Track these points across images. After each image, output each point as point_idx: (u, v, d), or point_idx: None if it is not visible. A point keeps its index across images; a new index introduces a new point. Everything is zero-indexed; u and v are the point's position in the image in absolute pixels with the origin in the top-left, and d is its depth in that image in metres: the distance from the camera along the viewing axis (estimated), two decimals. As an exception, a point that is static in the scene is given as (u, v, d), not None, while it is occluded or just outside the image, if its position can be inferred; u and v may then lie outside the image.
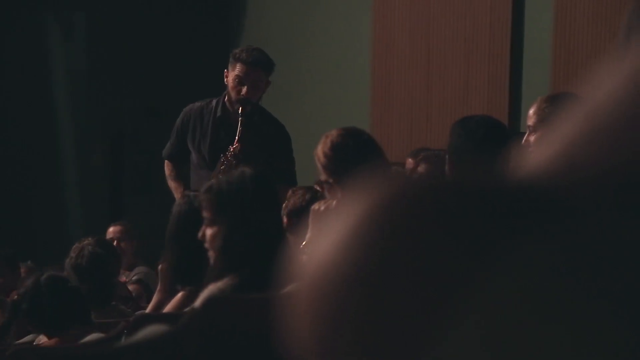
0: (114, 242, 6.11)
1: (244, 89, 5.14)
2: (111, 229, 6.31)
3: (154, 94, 8.45)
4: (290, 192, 4.29)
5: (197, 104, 5.41)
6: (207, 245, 3.35)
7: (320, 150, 3.64)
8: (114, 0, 8.79)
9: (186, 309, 3.53)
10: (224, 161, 5.10)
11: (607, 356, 0.49)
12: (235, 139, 5.11)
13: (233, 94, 5.18)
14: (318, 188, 3.72)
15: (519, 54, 6.21)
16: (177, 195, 5.33)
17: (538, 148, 0.56)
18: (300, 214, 4.02)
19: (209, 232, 3.35)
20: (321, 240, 0.53)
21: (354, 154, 3.57)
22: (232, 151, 5.09)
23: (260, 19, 8.33)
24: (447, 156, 3.86)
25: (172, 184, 5.44)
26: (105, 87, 8.80)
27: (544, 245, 0.50)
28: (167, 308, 3.88)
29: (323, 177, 3.63)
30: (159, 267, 4.21)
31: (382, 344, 0.51)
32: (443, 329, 0.50)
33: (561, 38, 5.91)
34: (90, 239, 5.03)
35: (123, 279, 5.88)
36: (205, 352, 2.91)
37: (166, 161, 5.51)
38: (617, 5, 5.51)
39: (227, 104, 5.28)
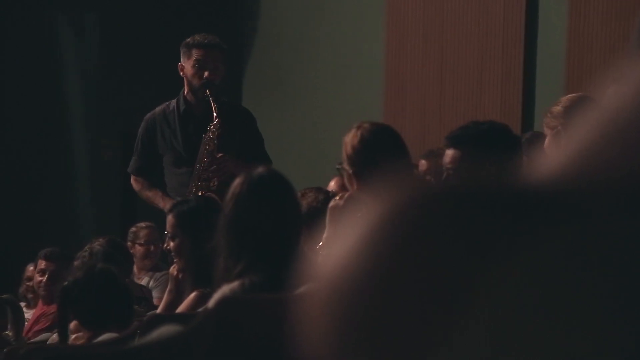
0: (149, 245, 6.08)
1: (206, 73, 5.15)
2: (143, 232, 6.23)
3: (165, 93, 8.46)
4: (299, 194, 4.26)
5: (157, 109, 5.43)
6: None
7: (350, 140, 3.64)
8: (125, 0, 8.81)
9: (199, 310, 3.54)
10: (206, 140, 5.09)
11: (613, 355, 0.49)
12: (205, 127, 5.09)
13: (195, 81, 5.19)
14: (338, 170, 3.70)
15: (533, 52, 6.20)
16: (158, 202, 5.28)
17: (551, 151, 0.56)
18: (314, 216, 4.00)
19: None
20: (336, 244, 0.54)
21: (382, 152, 3.58)
22: (213, 127, 5.08)
23: (272, 17, 8.33)
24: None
25: (148, 194, 5.36)
26: (117, 86, 8.82)
27: (553, 248, 0.50)
28: (180, 309, 3.89)
29: (345, 165, 3.63)
30: (171, 268, 4.21)
31: (393, 346, 0.52)
32: (453, 331, 0.51)
33: (575, 36, 5.90)
34: (101, 239, 5.03)
35: (146, 279, 5.87)
36: (217, 352, 2.91)
37: (133, 177, 5.43)
38: (631, 3, 5.49)
39: (189, 96, 5.29)
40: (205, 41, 5.20)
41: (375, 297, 0.52)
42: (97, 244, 4.96)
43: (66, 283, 4.03)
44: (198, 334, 2.94)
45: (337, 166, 3.70)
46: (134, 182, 5.45)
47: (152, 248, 6.06)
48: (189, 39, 5.30)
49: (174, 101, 5.36)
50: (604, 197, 0.52)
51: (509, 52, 6.30)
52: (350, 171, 3.57)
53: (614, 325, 0.49)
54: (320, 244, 3.55)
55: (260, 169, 3.39)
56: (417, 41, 6.94)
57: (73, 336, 4.12)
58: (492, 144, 3.66)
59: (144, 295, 5.21)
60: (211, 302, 3.17)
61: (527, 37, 6.21)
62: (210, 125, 5.08)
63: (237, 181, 3.37)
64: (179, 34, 8.81)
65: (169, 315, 3.76)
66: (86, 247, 4.96)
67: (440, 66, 6.78)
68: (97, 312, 3.89)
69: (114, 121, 8.85)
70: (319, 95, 7.80)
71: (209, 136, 5.08)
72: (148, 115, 5.45)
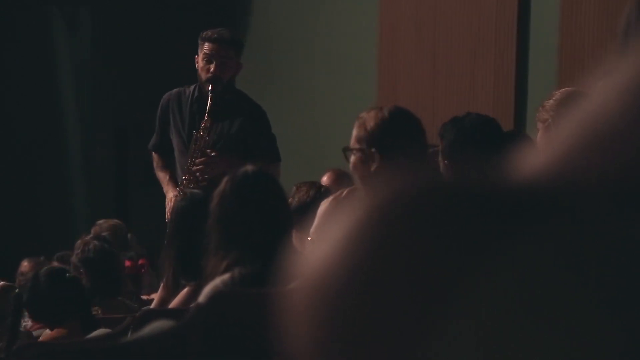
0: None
1: (212, 66, 5.11)
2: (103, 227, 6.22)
3: (159, 87, 8.46)
4: (294, 188, 4.28)
5: (175, 91, 5.42)
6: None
7: (374, 117, 3.59)
8: (119, -6, 8.81)
9: (192, 305, 3.54)
10: (196, 137, 5.09)
11: (603, 356, 0.49)
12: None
13: (203, 74, 5.16)
14: (347, 152, 3.61)
15: (525, 48, 6.21)
16: (163, 185, 5.36)
17: (541, 145, 0.56)
18: (305, 210, 4.02)
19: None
20: (323, 238, 0.54)
21: (405, 134, 3.56)
22: (204, 126, 5.07)
23: (266, 12, 8.33)
24: (440, 156, 3.82)
25: (159, 174, 5.45)
26: (110, 80, 8.81)
27: (540, 247, 0.50)
28: (173, 303, 3.90)
29: (358, 144, 3.54)
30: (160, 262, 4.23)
31: (376, 344, 0.51)
32: (438, 330, 0.50)
33: (567, 32, 5.90)
34: (95, 232, 5.04)
35: None
36: (210, 347, 2.91)
37: (153, 153, 5.52)
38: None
39: (201, 87, 5.29)
40: (215, 35, 5.14)
41: (358, 295, 0.51)
42: (92, 237, 4.97)
43: (17, 291, 4.14)
44: (190, 328, 2.95)
45: (353, 147, 3.58)
46: (153, 158, 5.53)
47: None
48: (203, 32, 5.26)
49: (192, 86, 5.35)
50: (590, 196, 0.52)
51: (502, 48, 6.31)
52: (373, 150, 3.50)
53: (604, 325, 0.49)
54: (309, 238, 3.55)
55: (245, 167, 3.43)
56: (410, 37, 6.94)
57: (43, 332, 4.16)
58: (476, 136, 3.66)
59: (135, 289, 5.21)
60: (202, 296, 3.19)
61: (520, 33, 6.21)
62: (202, 123, 5.08)
63: (224, 179, 3.42)
64: (172, 29, 8.83)
65: (162, 310, 3.77)
66: (80, 241, 4.97)
67: (433, 61, 6.79)
68: (51, 310, 3.98)
69: (107, 116, 8.84)
70: (312, 91, 7.80)
71: (199, 133, 5.08)
72: (165, 95, 5.47)
